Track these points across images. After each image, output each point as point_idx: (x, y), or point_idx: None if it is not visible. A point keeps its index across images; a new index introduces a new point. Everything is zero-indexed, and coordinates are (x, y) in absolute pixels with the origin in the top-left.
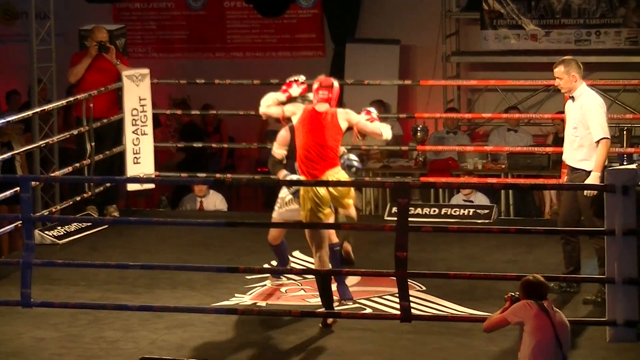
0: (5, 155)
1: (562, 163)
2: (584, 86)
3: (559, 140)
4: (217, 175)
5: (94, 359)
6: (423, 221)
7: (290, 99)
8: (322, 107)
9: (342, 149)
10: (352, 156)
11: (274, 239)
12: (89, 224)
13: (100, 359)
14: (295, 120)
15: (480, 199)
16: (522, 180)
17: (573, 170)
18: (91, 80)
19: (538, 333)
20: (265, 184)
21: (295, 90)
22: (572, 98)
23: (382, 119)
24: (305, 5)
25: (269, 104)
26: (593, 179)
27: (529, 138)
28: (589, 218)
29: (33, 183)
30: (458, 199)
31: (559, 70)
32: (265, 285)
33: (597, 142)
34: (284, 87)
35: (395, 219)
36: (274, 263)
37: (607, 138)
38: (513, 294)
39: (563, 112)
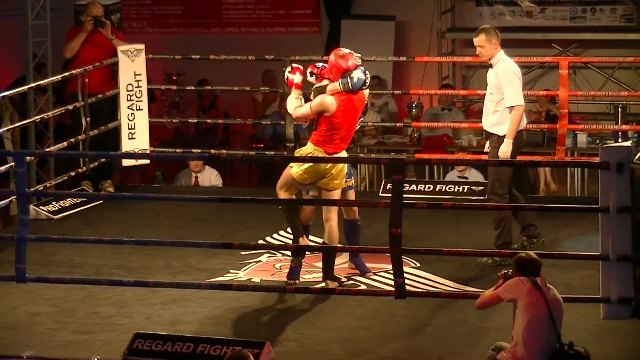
0: None
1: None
2: (502, 53)
3: (551, 118)
4: (212, 150)
5: (89, 334)
6: (418, 198)
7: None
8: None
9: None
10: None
11: (306, 220)
12: (83, 199)
13: (95, 334)
14: (330, 107)
15: (475, 175)
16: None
17: (488, 135)
18: (86, 56)
19: (531, 309)
20: (259, 160)
21: (298, 78)
22: (491, 65)
23: (378, 96)
24: None
25: (295, 106)
26: (505, 146)
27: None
28: (491, 181)
29: (28, 158)
30: (452, 175)
31: (480, 38)
32: (259, 261)
33: (510, 108)
34: (289, 81)
35: (390, 195)
36: (269, 239)
37: (521, 105)
38: (506, 271)
39: (557, 90)
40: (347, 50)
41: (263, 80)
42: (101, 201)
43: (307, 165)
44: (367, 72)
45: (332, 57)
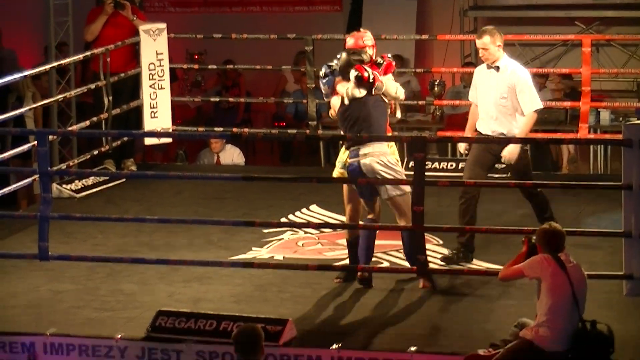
0: (20, 111)
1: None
2: (507, 56)
3: (573, 95)
4: (234, 129)
5: (112, 312)
6: (440, 176)
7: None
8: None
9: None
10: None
11: (351, 218)
12: (106, 177)
13: (117, 311)
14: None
15: None
16: (539, 135)
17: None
18: (108, 36)
19: (555, 292)
20: (281, 138)
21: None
22: (497, 68)
23: (400, 74)
24: None
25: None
26: (515, 147)
27: (549, 95)
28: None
29: (50, 137)
30: None
31: (484, 40)
32: (282, 239)
33: (529, 112)
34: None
35: (412, 173)
36: (291, 217)
37: (541, 107)
38: (530, 237)
39: (580, 68)
40: (364, 33)
41: (296, 62)
42: (123, 180)
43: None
44: (362, 71)
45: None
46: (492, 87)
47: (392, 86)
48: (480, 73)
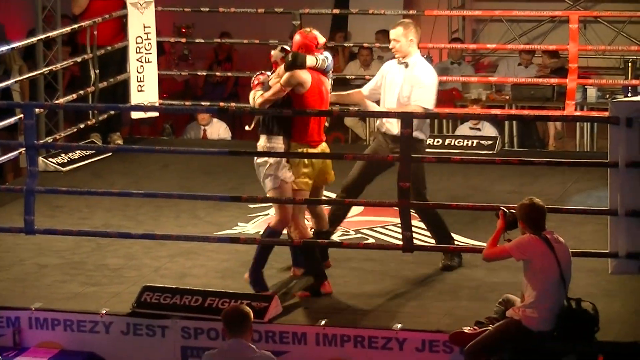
0: (6, 83)
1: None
2: (419, 55)
3: (560, 72)
4: (221, 103)
5: (97, 287)
6: (427, 152)
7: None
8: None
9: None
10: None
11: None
12: (92, 151)
13: (103, 286)
14: (306, 79)
15: (487, 127)
16: (526, 112)
17: (392, 137)
18: (96, 9)
19: (543, 273)
20: (269, 113)
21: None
22: (406, 64)
23: (386, 49)
24: None
25: (259, 95)
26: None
27: (535, 70)
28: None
29: (37, 110)
30: (464, 127)
31: (397, 32)
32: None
33: (416, 104)
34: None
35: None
36: None
37: (430, 109)
38: (506, 210)
39: (567, 44)
40: (316, 32)
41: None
42: (110, 153)
43: (302, 168)
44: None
45: (298, 36)
46: (397, 85)
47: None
48: (388, 68)
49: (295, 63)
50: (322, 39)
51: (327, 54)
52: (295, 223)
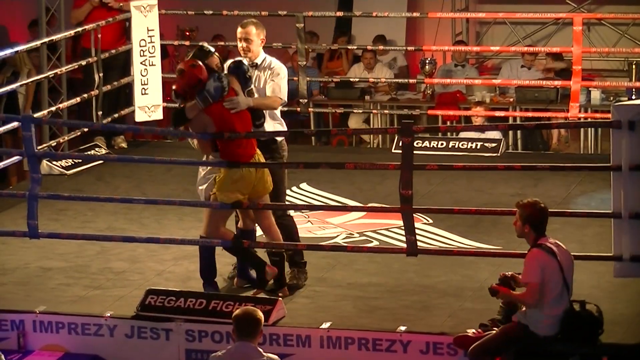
0: (12, 86)
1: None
2: (264, 53)
3: (564, 74)
4: None
5: (102, 290)
6: (430, 155)
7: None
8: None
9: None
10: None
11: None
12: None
13: (107, 289)
14: (208, 124)
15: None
16: (530, 113)
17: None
18: (98, 16)
19: (548, 282)
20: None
21: None
22: (256, 65)
23: (386, 52)
24: None
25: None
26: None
27: (539, 73)
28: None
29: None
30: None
31: (249, 30)
32: None
33: (273, 96)
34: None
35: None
36: None
37: (284, 102)
38: (492, 285)
39: (571, 46)
40: (208, 47)
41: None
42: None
43: (227, 183)
44: (221, 76)
45: (180, 70)
46: (256, 89)
47: None
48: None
49: (177, 122)
50: (214, 60)
51: (212, 79)
52: (222, 233)
